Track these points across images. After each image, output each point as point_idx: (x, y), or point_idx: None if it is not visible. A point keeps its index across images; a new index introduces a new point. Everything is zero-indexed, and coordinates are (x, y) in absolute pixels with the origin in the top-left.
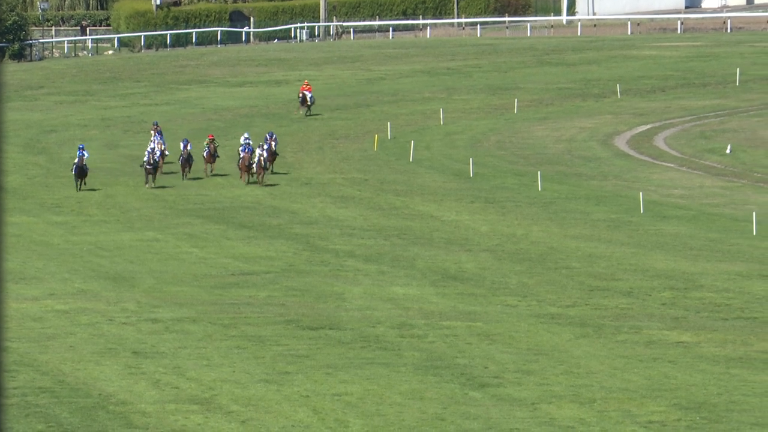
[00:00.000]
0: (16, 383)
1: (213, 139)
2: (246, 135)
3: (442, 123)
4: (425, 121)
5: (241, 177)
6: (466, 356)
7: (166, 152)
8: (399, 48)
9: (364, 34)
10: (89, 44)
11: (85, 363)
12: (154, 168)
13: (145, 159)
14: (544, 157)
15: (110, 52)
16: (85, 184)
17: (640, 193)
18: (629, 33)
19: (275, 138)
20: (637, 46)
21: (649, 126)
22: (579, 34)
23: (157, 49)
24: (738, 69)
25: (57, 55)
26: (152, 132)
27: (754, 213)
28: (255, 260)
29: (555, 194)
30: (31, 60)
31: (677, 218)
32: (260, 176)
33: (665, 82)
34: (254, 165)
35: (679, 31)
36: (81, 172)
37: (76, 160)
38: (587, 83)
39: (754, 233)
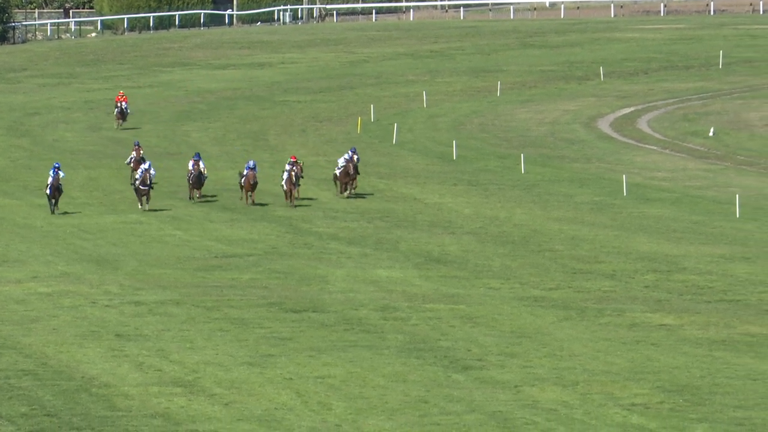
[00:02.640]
0: None
1: (296, 161)
2: (351, 150)
3: (425, 105)
4: (408, 103)
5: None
6: (449, 339)
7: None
8: (382, 30)
9: (348, 17)
10: (72, 27)
11: (68, 346)
12: (148, 188)
13: (137, 178)
14: (527, 139)
15: (93, 34)
16: (57, 207)
17: (624, 176)
18: (612, 15)
19: (357, 155)
20: (620, 28)
21: (632, 108)
22: (562, 16)
23: (140, 32)
24: (721, 51)
25: (40, 37)
26: (132, 152)
27: (737, 195)
28: (238, 243)
29: (538, 177)
30: (14, 42)
31: (660, 201)
32: (292, 196)
33: (648, 64)
34: (285, 183)
35: (662, 14)
36: (55, 192)
37: (50, 180)
38: (570, 66)
39: (737, 216)
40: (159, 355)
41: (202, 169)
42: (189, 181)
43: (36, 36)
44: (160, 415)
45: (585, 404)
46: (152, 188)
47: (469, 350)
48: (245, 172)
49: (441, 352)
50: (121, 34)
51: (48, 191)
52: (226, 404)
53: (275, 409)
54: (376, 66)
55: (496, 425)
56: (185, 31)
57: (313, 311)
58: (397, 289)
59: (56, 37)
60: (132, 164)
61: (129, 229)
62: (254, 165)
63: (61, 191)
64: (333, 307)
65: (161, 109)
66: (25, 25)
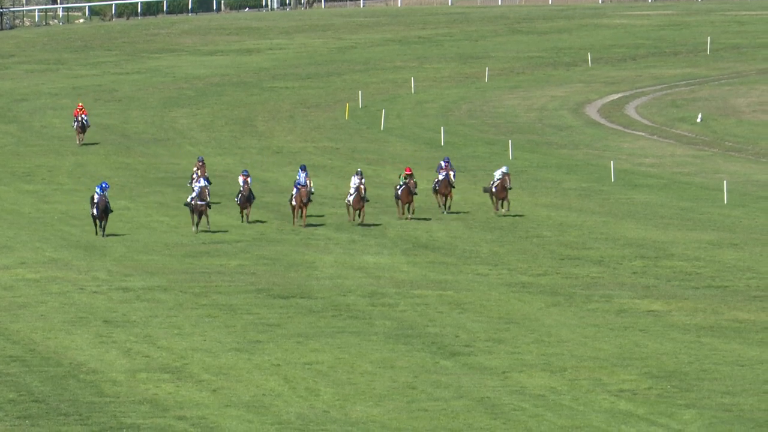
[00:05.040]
0: None
1: (411, 174)
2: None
3: (413, 92)
4: (396, 89)
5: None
6: (437, 325)
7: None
8: (370, 16)
9: (335, 3)
10: (60, 13)
11: (56, 332)
12: (205, 206)
13: (194, 194)
14: (515, 125)
15: (81, 20)
16: (104, 230)
17: (611, 162)
18: (600, 1)
19: (451, 165)
20: (608, 14)
21: (620, 95)
22: (550, 2)
23: (128, 18)
24: (709, 37)
25: (28, 23)
26: (196, 170)
27: (724, 182)
28: (226, 229)
29: (526, 163)
30: (1, 29)
31: (648, 187)
32: (356, 212)
33: (636, 50)
34: (351, 198)
35: (650, 0)
36: (102, 213)
37: (95, 198)
38: (558, 52)
39: (725, 202)
40: (147, 341)
41: (251, 188)
42: (238, 201)
43: (24, 22)
44: (147, 401)
45: (573, 390)
46: (210, 207)
47: (457, 336)
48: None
49: (429, 338)
50: (109, 20)
51: (94, 211)
52: (214, 390)
53: (263, 395)
54: (364, 52)
55: (484, 411)
56: (173, 17)
57: (301, 297)
58: (385, 275)
59: (44, 23)
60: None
61: (117, 216)
62: (306, 177)
63: (109, 212)
64: (321, 294)
65: (149, 95)
66: (13, 11)
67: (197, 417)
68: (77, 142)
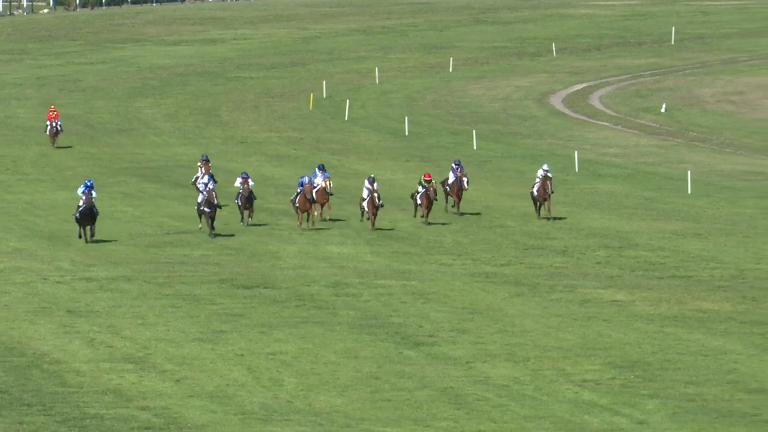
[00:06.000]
0: None
1: (431, 180)
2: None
3: (377, 82)
4: (360, 79)
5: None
6: (400, 315)
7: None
8: (334, 6)
9: None
10: (24, 3)
11: (20, 322)
12: (214, 210)
13: (201, 198)
14: (479, 115)
15: (45, 10)
16: (92, 235)
17: (576, 152)
18: None
19: (462, 169)
20: (572, 4)
21: (584, 85)
22: None
23: (92, 8)
24: (673, 28)
25: None
26: (200, 167)
27: (689, 171)
28: (190, 219)
29: (490, 153)
30: None
31: (612, 177)
32: (372, 218)
33: (601, 40)
34: (365, 203)
35: None
36: (87, 217)
37: (81, 201)
38: (523, 42)
39: (689, 192)
40: (110, 331)
41: (251, 189)
42: (238, 202)
43: None
44: (111, 391)
45: (536, 380)
46: (220, 208)
47: (420, 326)
48: (299, 189)
49: (392, 329)
50: (74, 10)
51: (77, 215)
52: (178, 380)
53: (227, 385)
54: (329, 42)
55: (448, 401)
56: (138, 7)
57: (265, 287)
58: (349, 265)
59: (8, 13)
60: (198, 183)
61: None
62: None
63: (95, 215)
64: (284, 284)
65: (113, 85)
66: None
67: (161, 407)
68: (51, 145)
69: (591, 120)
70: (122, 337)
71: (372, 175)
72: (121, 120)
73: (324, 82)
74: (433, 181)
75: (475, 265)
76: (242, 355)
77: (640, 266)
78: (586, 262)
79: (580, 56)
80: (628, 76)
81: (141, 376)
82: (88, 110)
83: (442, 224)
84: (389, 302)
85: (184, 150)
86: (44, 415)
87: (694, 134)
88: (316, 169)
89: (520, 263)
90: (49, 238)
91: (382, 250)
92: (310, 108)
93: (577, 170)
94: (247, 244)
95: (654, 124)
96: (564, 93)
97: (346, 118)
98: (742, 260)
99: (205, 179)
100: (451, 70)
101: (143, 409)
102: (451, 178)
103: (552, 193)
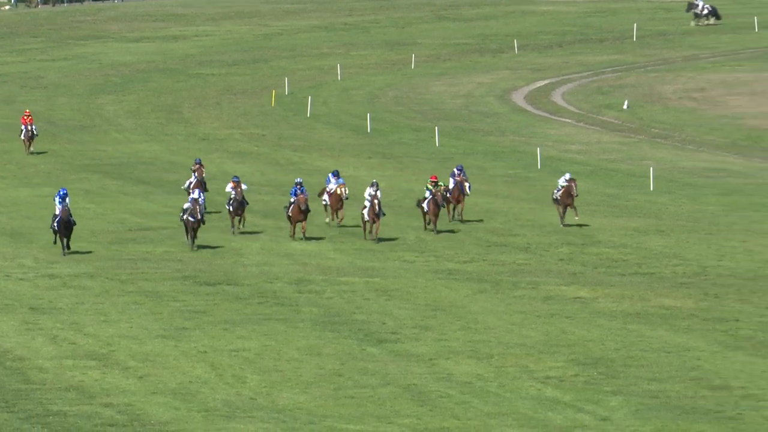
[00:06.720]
0: None
1: (437, 182)
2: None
3: (339, 78)
4: (323, 76)
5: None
6: (363, 312)
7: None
8: (296, 3)
9: None
10: None
11: None
12: (198, 223)
13: (185, 208)
14: (441, 112)
15: (7, 7)
16: (68, 247)
17: (538, 149)
18: None
19: (464, 174)
20: (535, 1)
21: (546, 81)
22: None
23: (54, 5)
24: (635, 24)
25: None
26: (193, 172)
27: (651, 168)
28: (152, 216)
29: (452, 149)
30: None
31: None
32: (374, 227)
33: (563, 37)
34: (366, 212)
35: None
36: (64, 228)
37: (57, 210)
38: (485, 38)
39: (651, 189)
40: (73, 328)
41: (244, 193)
42: (229, 208)
43: None
44: (74, 388)
45: (500, 377)
46: (204, 223)
47: (383, 323)
48: (293, 199)
49: (356, 326)
50: (35, 6)
51: (55, 226)
52: (141, 377)
53: (190, 382)
54: (290, 39)
55: (411, 398)
56: (99, 4)
57: (228, 284)
58: (312, 262)
59: None
60: (190, 189)
61: (43, 203)
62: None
63: (72, 226)
64: (247, 280)
65: (75, 82)
66: None
67: (124, 404)
68: (25, 151)
69: (553, 117)
70: (85, 334)
71: (375, 180)
72: (82, 117)
73: (286, 78)
74: (441, 184)
75: (438, 262)
76: (205, 352)
77: (602, 263)
78: (548, 258)
79: (542, 53)
80: (590, 72)
81: (104, 373)
82: (49, 107)
83: (405, 221)
84: (352, 299)
85: (146, 147)
86: (7, 412)
87: (656, 131)
88: (330, 175)
89: (483, 260)
90: (11, 235)
91: (345, 247)
92: (272, 105)
93: (539, 167)
94: (209, 240)
95: (616, 121)
96: (526, 90)
97: (308, 115)
98: (705, 257)
99: (195, 194)
100: (413, 66)
101: (106, 405)
102: (451, 184)
103: (576, 195)
